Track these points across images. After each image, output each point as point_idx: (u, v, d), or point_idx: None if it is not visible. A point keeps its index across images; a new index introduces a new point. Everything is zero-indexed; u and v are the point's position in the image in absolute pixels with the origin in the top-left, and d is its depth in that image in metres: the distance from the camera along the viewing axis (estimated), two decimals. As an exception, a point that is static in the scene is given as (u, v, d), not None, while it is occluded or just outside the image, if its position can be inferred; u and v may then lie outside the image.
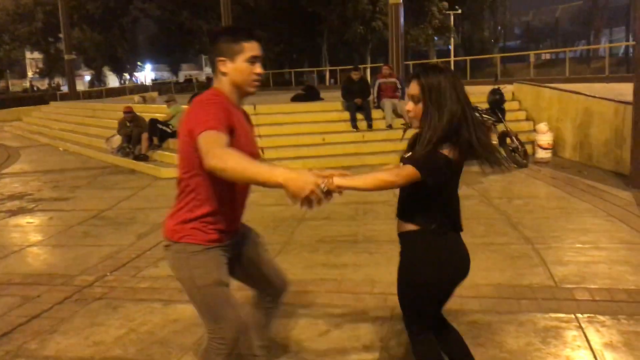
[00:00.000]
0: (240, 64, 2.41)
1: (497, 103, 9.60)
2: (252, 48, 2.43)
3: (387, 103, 11.29)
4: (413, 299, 2.52)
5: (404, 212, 2.49)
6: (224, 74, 2.43)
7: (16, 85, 59.46)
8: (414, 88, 2.38)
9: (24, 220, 7.41)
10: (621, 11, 30.84)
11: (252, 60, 2.43)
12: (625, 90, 7.54)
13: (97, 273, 5.06)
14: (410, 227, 2.44)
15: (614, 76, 16.56)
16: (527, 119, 11.57)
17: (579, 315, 3.73)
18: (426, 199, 2.40)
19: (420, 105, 2.37)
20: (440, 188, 2.38)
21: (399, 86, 11.71)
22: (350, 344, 3.50)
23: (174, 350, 3.55)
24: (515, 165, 9.24)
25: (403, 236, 2.49)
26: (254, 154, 2.45)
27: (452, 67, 27.96)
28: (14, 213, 7.78)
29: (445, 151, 2.30)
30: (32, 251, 6.01)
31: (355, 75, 11.88)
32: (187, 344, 3.60)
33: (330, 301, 4.19)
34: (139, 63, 58.88)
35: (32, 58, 59.71)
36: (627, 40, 34.08)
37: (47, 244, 6.28)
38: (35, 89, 48.06)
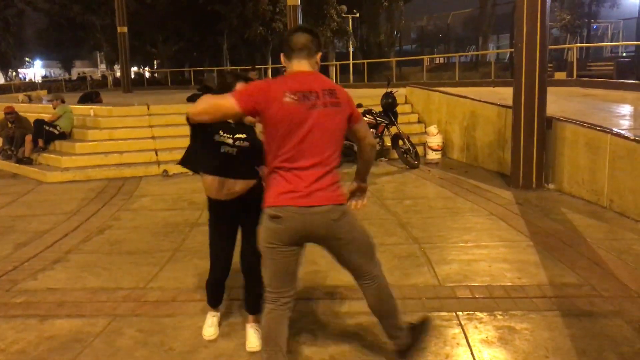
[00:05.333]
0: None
1: (389, 106, 9.88)
2: None
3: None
4: None
5: None
6: (318, 65, 2.87)
7: None
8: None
9: None
10: (507, 18, 32.84)
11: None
12: (508, 94, 8.00)
13: (-34, 289, 4.67)
14: None
15: (498, 81, 17.55)
16: (419, 121, 12.01)
17: (459, 313, 3.89)
18: None
19: None
20: None
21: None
22: (237, 352, 3.44)
23: (47, 370, 3.33)
24: (407, 166, 9.56)
25: None
26: None
27: (351, 70, 28.54)
28: None
29: None
30: None
31: (253, 75, 11.79)
32: (62, 363, 3.40)
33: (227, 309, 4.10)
34: (27, 59, 55.42)
35: None
36: (512, 47, 36.30)
37: None
38: None
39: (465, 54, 38.44)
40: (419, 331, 3.23)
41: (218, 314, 3.79)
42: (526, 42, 7.43)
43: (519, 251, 5.17)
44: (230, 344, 3.57)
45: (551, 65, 18.31)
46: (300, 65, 2.80)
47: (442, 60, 39.57)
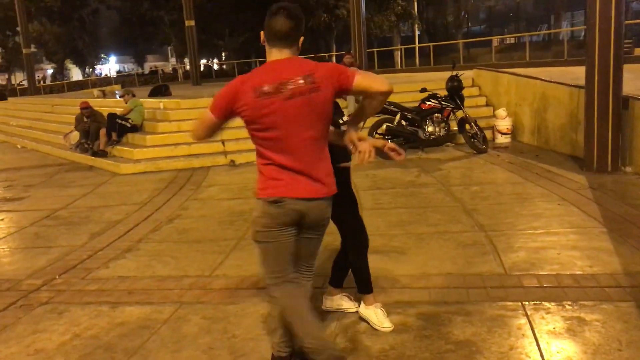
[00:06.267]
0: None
1: (455, 90, 9.63)
2: None
3: (348, 92, 11.24)
4: None
5: None
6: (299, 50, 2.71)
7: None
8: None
9: (-27, 222, 7.20)
10: (581, -6, 31.46)
11: None
12: (582, 74, 7.62)
13: (45, 276, 4.94)
14: None
15: (572, 60, 16.77)
16: (487, 104, 11.66)
17: (525, 302, 3.75)
18: None
19: None
20: None
21: (359, 75, 11.65)
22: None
23: (118, 354, 3.47)
24: (474, 151, 9.31)
25: None
26: None
27: (417, 54, 28.07)
28: (-37, 215, 7.55)
29: None
30: (-21, 255, 5.84)
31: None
32: (131, 348, 3.53)
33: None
34: (102, 55, 57.73)
35: (-9, 52, 58.06)
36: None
37: (-4, 247, 6.10)
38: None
39: (536, 32, 36.94)
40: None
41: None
42: (599, 17, 7.03)
43: (591, 238, 4.93)
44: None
45: (630, 40, 17.30)
46: (284, 53, 2.63)
47: (512, 41, 38.26)
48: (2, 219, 7.26)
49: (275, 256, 2.76)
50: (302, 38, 2.67)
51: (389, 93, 2.65)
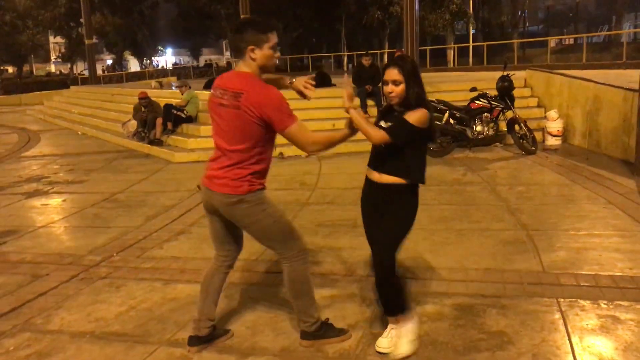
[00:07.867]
0: (267, 51, 2.99)
1: (505, 90, 9.60)
2: (274, 37, 3.03)
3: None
4: (400, 238, 3.16)
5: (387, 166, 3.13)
6: (254, 59, 2.98)
7: (40, 70, 60.37)
8: (395, 74, 3.03)
9: (39, 202, 7.68)
10: (646, -5, 30.35)
11: (274, 47, 3.04)
12: (638, 77, 7.50)
13: (104, 253, 5.29)
14: (396, 180, 3.10)
15: (632, 62, 16.32)
16: (539, 105, 11.53)
17: (561, 299, 3.83)
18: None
19: (402, 87, 3.04)
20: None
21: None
22: (335, 323, 3.63)
23: (169, 326, 3.74)
24: (523, 152, 9.27)
25: (389, 187, 3.13)
26: None
27: (470, 53, 27.74)
28: (30, 195, 8.05)
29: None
30: (44, 232, 6.26)
31: (365, 61, 11.94)
32: (182, 321, 3.79)
33: (323, 282, 4.33)
34: (159, 47, 59.29)
35: (56, 42, 60.40)
36: (652, 24, 33.50)
37: (59, 225, 6.52)
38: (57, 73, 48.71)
39: (595, 34, 35.91)
40: (328, 330, 3.42)
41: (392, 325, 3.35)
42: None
43: (635, 241, 4.93)
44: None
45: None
46: (238, 65, 3.09)
47: (570, 42, 37.29)
48: (65, 200, 7.72)
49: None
50: (251, 48, 2.97)
51: (311, 151, 3.15)
